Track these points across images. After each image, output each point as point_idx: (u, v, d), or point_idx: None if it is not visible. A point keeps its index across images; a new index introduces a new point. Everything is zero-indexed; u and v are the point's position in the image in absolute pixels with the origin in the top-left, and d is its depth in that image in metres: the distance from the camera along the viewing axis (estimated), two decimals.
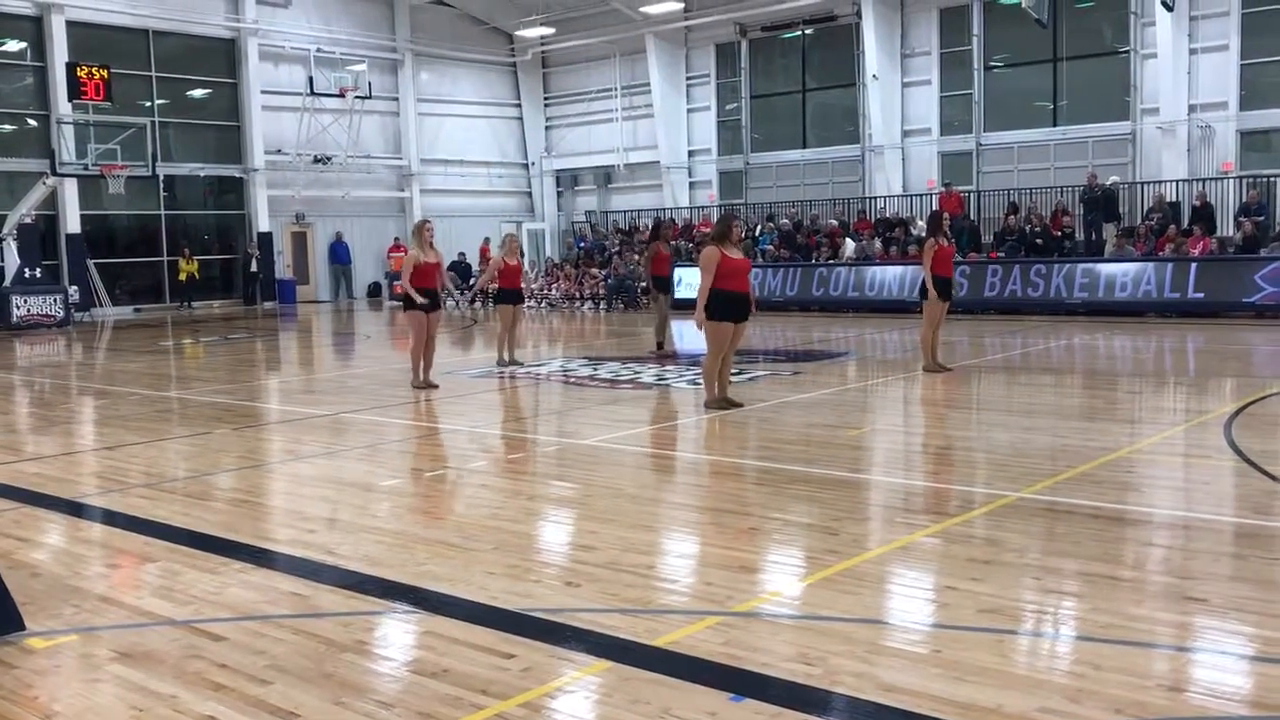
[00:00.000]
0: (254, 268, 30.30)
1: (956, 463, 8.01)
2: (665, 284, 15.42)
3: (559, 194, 36.58)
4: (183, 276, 29.06)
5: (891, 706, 3.65)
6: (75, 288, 25.92)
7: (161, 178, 28.31)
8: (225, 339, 20.31)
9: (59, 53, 26.21)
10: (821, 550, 5.53)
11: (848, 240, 24.63)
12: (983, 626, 4.37)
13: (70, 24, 26.62)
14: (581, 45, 33.23)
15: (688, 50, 32.15)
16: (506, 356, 13.94)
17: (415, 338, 12.00)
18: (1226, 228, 21.76)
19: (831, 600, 4.74)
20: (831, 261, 23.82)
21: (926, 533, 5.79)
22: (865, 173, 28.63)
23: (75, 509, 6.89)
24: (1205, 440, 8.26)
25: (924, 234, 14.15)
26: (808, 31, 29.66)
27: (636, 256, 26.34)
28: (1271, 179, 22.49)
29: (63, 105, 25.73)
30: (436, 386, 11.92)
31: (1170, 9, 22.85)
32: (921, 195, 27.05)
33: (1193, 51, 23.71)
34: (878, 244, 24.13)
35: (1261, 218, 20.79)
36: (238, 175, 30.47)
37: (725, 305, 9.85)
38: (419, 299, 11.72)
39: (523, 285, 14.75)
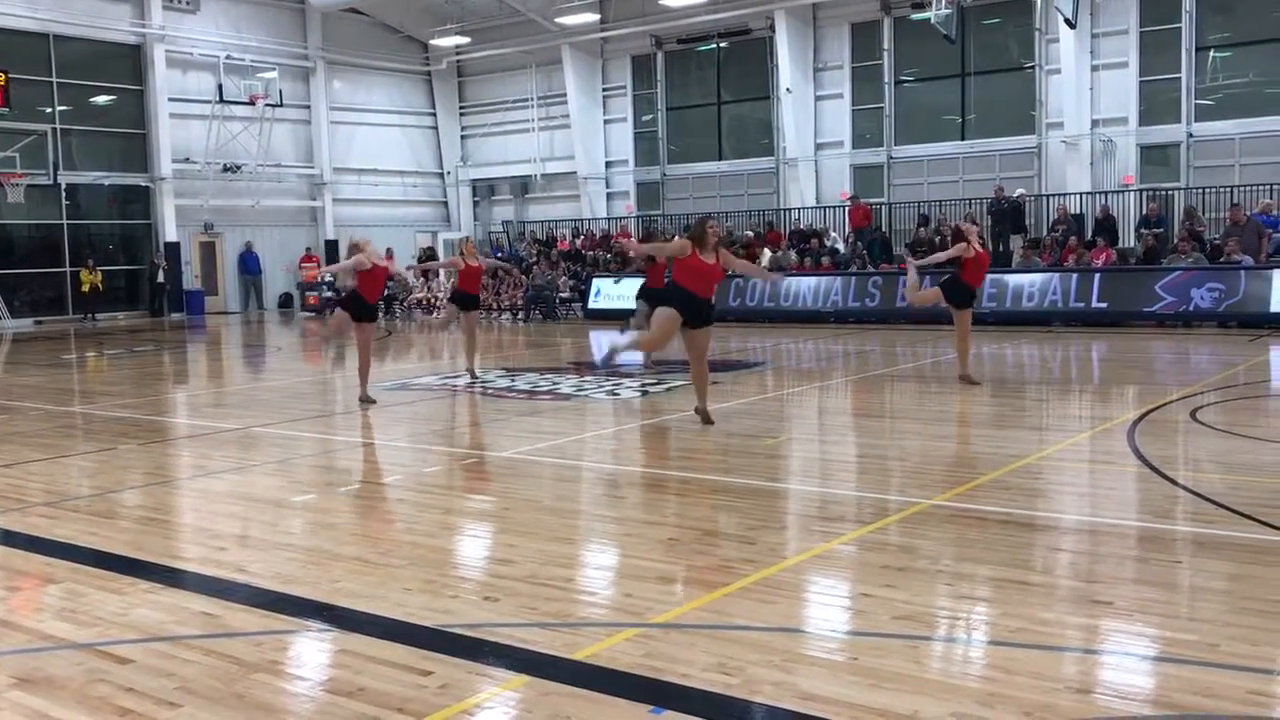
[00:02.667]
0: (160, 279, 29.60)
1: (871, 471, 8.12)
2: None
3: (475, 204, 36.39)
4: (86, 288, 28.27)
5: (810, 715, 3.68)
6: None
7: (63, 186, 27.56)
8: (130, 352, 19.79)
9: None
10: (739, 560, 5.55)
11: (765, 251, 24.88)
12: (898, 633, 4.43)
13: None
14: (497, 55, 33.13)
15: (604, 61, 32.24)
16: (471, 366, 13.71)
17: (362, 350, 11.62)
18: (1128, 239, 22.46)
19: (750, 609, 4.76)
20: None
21: (842, 540, 5.86)
22: (779, 184, 28.98)
23: None
24: (1110, 446, 8.48)
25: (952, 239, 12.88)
26: (722, 45, 29.95)
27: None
28: (1170, 192, 23.28)
29: None
30: (374, 401, 11.65)
31: (1073, 27, 23.55)
32: (834, 207, 27.47)
33: (1094, 68, 24.48)
34: (793, 255, 24.41)
35: (1161, 230, 21.49)
36: (143, 184, 29.76)
37: (682, 300, 9.40)
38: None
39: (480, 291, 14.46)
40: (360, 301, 11.58)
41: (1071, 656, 4.22)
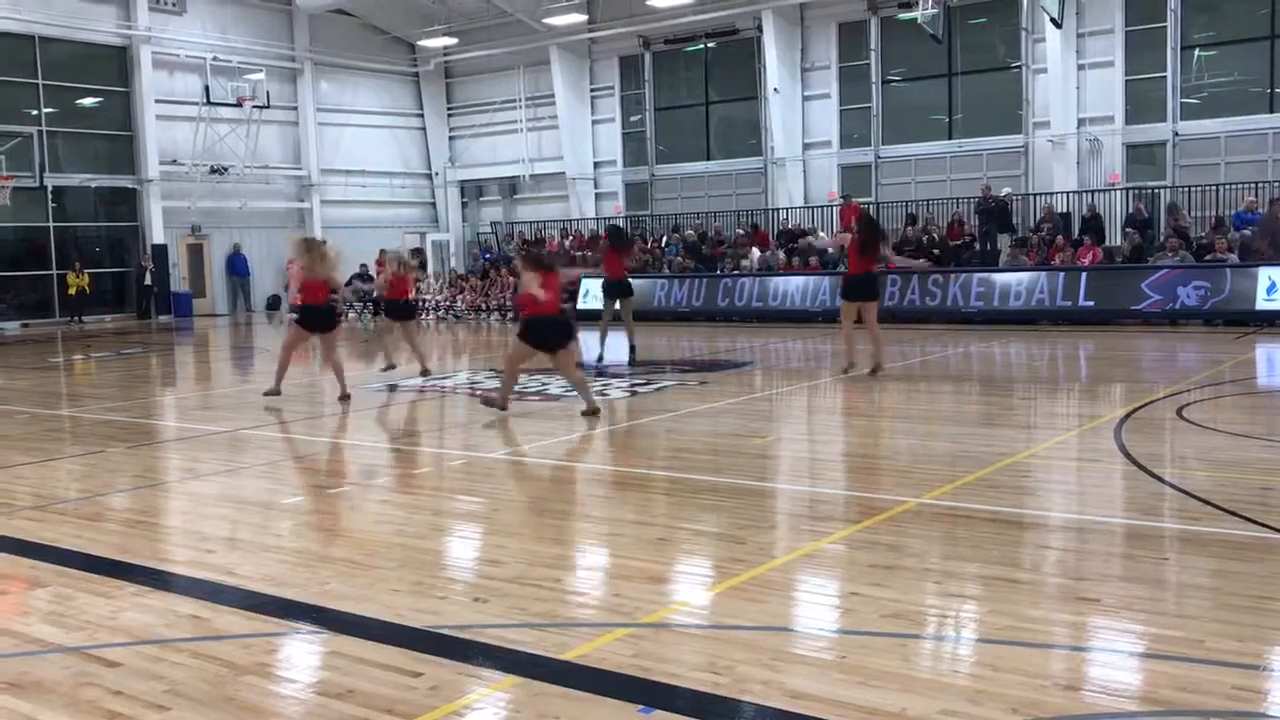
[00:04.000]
0: (148, 281, 29.49)
1: (859, 470, 8.14)
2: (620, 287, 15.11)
3: (464, 205, 36.35)
4: (73, 290, 28.13)
5: (799, 713, 3.69)
6: None
7: (50, 188, 27.42)
8: (118, 354, 19.73)
9: None
10: (728, 559, 5.57)
11: (753, 250, 24.91)
12: (886, 631, 4.45)
13: None
14: (485, 56, 33.11)
15: (592, 62, 32.24)
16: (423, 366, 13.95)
17: (288, 344, 12.14)
18: (1115, 238, 22.54)
19: (739, 609, 4.78)
20: (736, 272, 24.05)
21: (831, 539, 5.87)
22: (768, 184, 29.00)
23: None
24: (1097, 444, 8.52)
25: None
26: (710, 45, 29.98)
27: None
28: (1155, 190, 23.37)
29: None
30: (348, 397, 11.76)
31: (1059, 26, 23.63)
32: (823, 206, 27.51)
33: (1080, 67, 24.56)
34: (781, 255, 24.43)
35: (1147, 228, 21.57)
36: (130, 186, 29.65)
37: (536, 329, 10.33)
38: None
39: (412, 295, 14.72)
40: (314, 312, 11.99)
41: (1059, 653, 4.24)
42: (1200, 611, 4.61)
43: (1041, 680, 3.92)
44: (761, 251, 24.91)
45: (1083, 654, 4.27)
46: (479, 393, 11.89)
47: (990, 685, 3.87)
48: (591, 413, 10.19)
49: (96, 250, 29.94)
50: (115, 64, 29.25)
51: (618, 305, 15.24)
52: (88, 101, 29.22)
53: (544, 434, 9.79)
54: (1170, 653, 4.15)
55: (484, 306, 27.09)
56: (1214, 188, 22.51)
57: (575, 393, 10.61)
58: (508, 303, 26.43)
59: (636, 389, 12.37)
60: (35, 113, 27.51)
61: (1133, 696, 3.83)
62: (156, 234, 29.80)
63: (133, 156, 29.52)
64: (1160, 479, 7.15)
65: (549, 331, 10.19)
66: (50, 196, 27.87)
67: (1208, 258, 19.40)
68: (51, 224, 28.40)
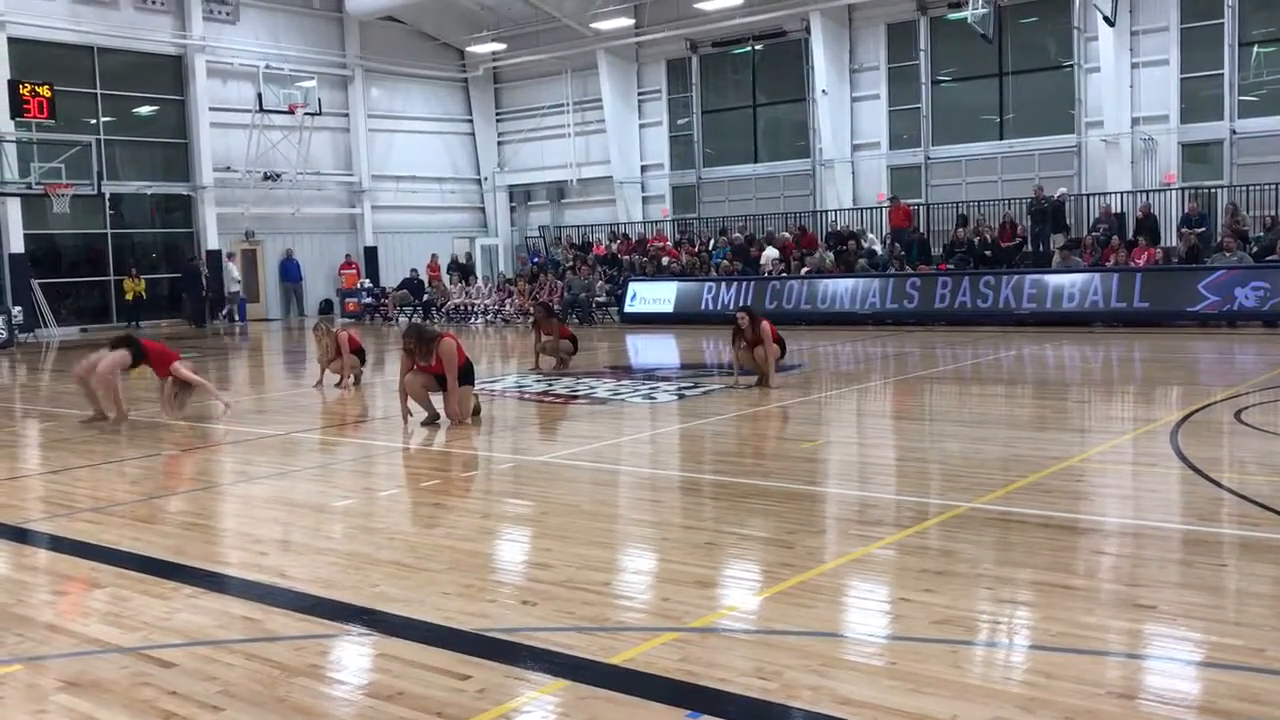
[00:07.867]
0: (203, 286, 29.88)
1: (910, 474, 8.06)
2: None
3: (512, 209, 36.55)
4: (130, 296, 28.60)
5: None
6: (19, 308, 25.45)
7: (107, 196, 27.89)
8: None
9: (0, 70, 25.78)
10: (777, 564, 5.54)
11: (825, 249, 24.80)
12: (937, 637, 4.40)
13: (12, 40, 26.14)
14: (533, 61, 33.27)
15: (639, 66, 32.28)
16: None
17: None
18: (1170, 238, 22.18)
19: (787, 614, 4.75)
20: (785, 275, 23.95)
21: (881, 544, 5.82)
22: (816, 186, 28.88)
23: (19, 535, 6.75)
24: (1153, 448, 8.38)
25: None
26: (757, 47, 29.90)
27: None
28: (1212, 190, 22.97)
29: (4, 123, 25.12)
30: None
31: (1112, 24, 23.31)
32: (872, 208, 27.34)
33: (1134, 66, 24.21)
34: (830, 257, 24.30)
35: (1203, 229, 21.21)
36: (185, 193, 30.11)
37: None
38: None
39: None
40: None
41: (1114, 661, 4.17)
42: (1261, 619, 4.51)
43: (1096, 688, 3.86)
44: (809, 253, 24.78)
45: (1138, 662, 4.20)
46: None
47: (1043, 693, 3.82)
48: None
49: (153, 256, 30.43)
50: (170, 73, 29.73)
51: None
52: (144, 110, 29.72)
53: (592, 437, 9.80)
54: (1229, 661, 4.07)
55: (532, 310, 27.15)
56: (1273, 187, 22.07)
57: (621, 396, 10.60)
58: (555, 306, 26.50)
59: (684, 392, 12.36)
60: (94, 121, 28.03)
61: (1190, 706, 3.76)
62: (211, 240, 30.25)
63: (188, 164, 29.98)
64: (1218, 484, 7.02)
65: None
66: (108, 204, 28.36)
67: (1268, 258, 19.02)
68: (109, 230, 28.92)
